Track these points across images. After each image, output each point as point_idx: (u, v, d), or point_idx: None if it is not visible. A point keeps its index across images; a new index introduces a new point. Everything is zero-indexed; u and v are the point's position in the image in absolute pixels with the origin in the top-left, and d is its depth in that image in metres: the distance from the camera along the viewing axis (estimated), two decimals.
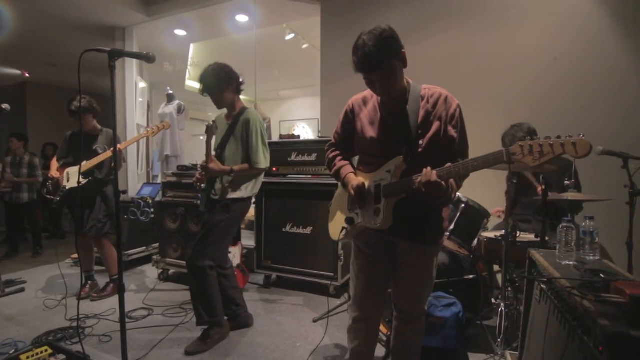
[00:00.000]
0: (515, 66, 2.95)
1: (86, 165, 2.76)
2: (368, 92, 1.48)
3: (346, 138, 1.55)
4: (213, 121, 2.18)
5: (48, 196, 2.89)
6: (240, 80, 2.30)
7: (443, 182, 1.22)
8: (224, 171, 2.17)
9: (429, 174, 1.22)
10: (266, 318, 2.60)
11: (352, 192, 1.39)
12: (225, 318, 2.33)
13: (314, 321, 2.53)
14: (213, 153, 2.20)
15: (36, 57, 5.79)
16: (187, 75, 6.11)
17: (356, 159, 1.60)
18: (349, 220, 1.46)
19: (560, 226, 1.38)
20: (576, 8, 2.76)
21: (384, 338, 2.08)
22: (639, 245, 2.01)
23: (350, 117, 1.51)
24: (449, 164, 1.24)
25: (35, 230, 4.76)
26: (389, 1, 3.40)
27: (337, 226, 1.55)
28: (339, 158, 1.57)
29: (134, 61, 5.01)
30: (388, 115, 1.41)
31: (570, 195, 1.90)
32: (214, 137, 2.24)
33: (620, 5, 2.65)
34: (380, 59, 1.24)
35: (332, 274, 2.92)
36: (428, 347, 1.85)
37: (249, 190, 2.27)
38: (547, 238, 1.94)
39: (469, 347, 2.07)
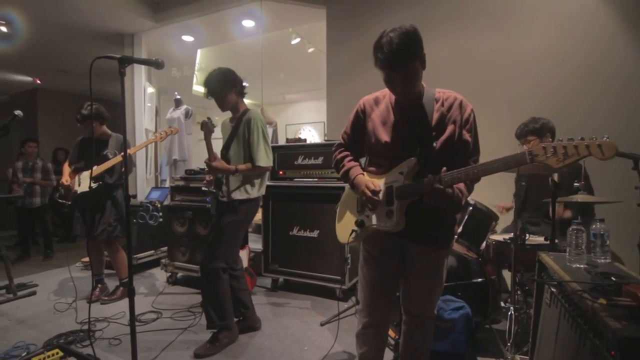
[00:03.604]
0: (521, 67, 2.94)
1: (97, 170, 2.80)
2: (380, 93, 1.47)
3: (356, 138, 1.53)
4: (208, 117, 2.20)
5: (60, 200, 2.94)
6: (244, 83, 2.33)
7: (448, 190, 1.21)
8: (227, 170, 2.19)
9: (431, 181, 1.21)
10: (274, 321, 2.60)
11: (368, 192, 1.37)
12: (235, 320, 2.34)
13: (322, 325, 2.53)
14: (217, 153, 2.23)
15: (47, 64, 5.91)
16: (195, 80, 6.18)
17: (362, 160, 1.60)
18: (360, 223, 1.45)
19: (570, 229, 1.37)
20: (582, 8, 2.75)
21: (392, 342, 2.07)
22: None
23: (361, 118, 1.49)
24: (444, 169, 1.22)
25: (46, 234, 4.83)
26: (394, 5, 3.41)
27: (345, 228, 1.54)
28: (348, 159, 1.55)
29: (143, 67, 5.08)
30: (401, 117, 1.40)
31: (579, 198, 1.88)
32: (221, 138, 2.26)
33: (626, 5, 2.63)
34: (406, 58, 1.24)
35: (339, 277, 2.91)
36: (437, 351, 1.84)
37: (255, 190, 2.29)
38: (556, 241, 1.92)
39: (478, 351, 2.06)
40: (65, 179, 2.94)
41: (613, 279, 1.13)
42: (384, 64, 1.26)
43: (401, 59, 1.23)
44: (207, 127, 2.16)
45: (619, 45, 2.64)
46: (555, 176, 1.87)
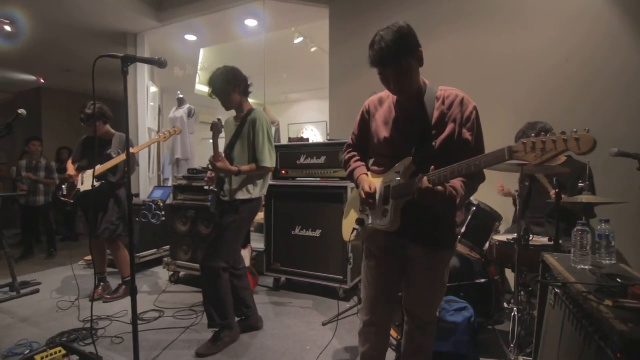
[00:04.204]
0: (524, 66, 2.92)
1: (100, 169, 2.81)
2: (385, 93, 1.47)
3: (363, 139, 1.54)
4: (218, 119, 2.21)
5: (63, 199, 2.95)
6: (249, 82, 2.33)
7: (439, 188, 1.20)
8: (231, 171, 2.19)
9: (420, 181, 1.20)
10: (276, 321, 2.60)
11: (362, 194, 1.39)
12: (237, 320, 2.34)
13: (324, 324, 2.52)
14: (222, 152, 2.23)
15: (51, 63, 5.93)
16: (197, 80, 6.19)
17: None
18: (360, 222, 1.46)
19: (575, 229, 1.36)
20: (586, 8, 2.73)
21: (395, 342, 2.06)
22: None
23: (366, 118, 1.51)
24: (432, 167, 1.21)
25: (50, 232, 4.86)
26: (398, 4, 3.40)
27: (349, 226, 1.54)
28: (355, 159, 1.57)
29: (146, 66, 5.10)
30: (402, 116, 1.39)
31: (584, 198, 1.86)
32: (224, 137, 2.26)
33: (630, 5, 2.61)
34: (396, 55, 1.23)
35: (341, 277, 2.91)
36: (439, 352, 1.83)
37: (257, 191, 2.29)
38: (560, 242, 1.90)
39: (480, 352, 2.04)
40: (71, 172, 2.95)
41: (619, 280, 1.12)
42: (374, 61, 1.27)
43: (391, 55, 1.23)
44: (216, 128, 2.17)
45: (623, 44, 2.62)
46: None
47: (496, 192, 2.62)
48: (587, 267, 1.32)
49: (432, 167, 1.22)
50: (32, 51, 5.33)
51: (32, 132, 5.78)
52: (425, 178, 1.20)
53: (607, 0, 2.67)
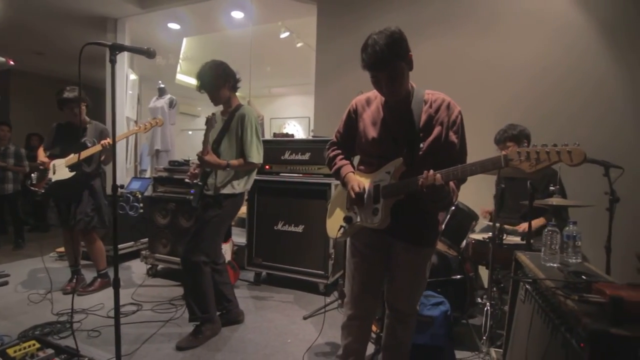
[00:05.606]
0: (507, 73, 3.03)
1: (74, 158, 2.72)
2: (372, 93, 1.51)
3: (348, 138, 1.58)
4: (213, 113, 2.20)
5: (32, 188, 2.83)
6: (237, 77, 2.32)
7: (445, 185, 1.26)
8: (219, 165, 2.18)
9: (432, 176, 1.24)
10: (257, 315, 2.62)
11: (352, 193, 1.42)
12: (218, 313, 2.34)
13: (304, 318, 2.56)
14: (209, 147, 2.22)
15: (23, 44, 5.62)
16: (178, 69, 6.03)
17: (356, 159, 1.63)
18: (347, 219, 1.49)
19: (546, 230, 1.45)
20: (568, 21, 2.85)
21: (374, 335, 2.13)
22: (616, 249, 2.11)
23: (353, 117, 1.54)
24: (432, 172, 1.25)
25: (18, 222, 4.64)
26: (385, 5, 3.44)
27: (335, 224, 1.58)
28: (340, 157, 1.60)
29: (125, 53, 4.91)
30: (390, 117, 1.44)
31: (554, 201, 1.98)
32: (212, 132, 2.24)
33: (611, 20, 2.74)
34: (389, 58, 1.27)
35: (322, 272, 2.95)
36: (417, 344, 1.90)
37: (241, 186, 2.29)
38: (532, 241, 2.02)
39: (455, 344, 2.14)
40: (44, 158, 2.82)
41: (584, 277, 1.22)
42: (368, 64, 1.31)
43: (385, 59, 1.27)
44: (210, 123, 2.17)
45: (603, 59, 2.74)
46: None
47: (473, 192, 2.71)
48: (555, 265, 1.41)
49: (432, 170, 1.25)
50: (2, 31, 5.02)
51: (0, 117, 5.48)
52: (439, 175, 1.24)
53: (589, 15, 2.78)
